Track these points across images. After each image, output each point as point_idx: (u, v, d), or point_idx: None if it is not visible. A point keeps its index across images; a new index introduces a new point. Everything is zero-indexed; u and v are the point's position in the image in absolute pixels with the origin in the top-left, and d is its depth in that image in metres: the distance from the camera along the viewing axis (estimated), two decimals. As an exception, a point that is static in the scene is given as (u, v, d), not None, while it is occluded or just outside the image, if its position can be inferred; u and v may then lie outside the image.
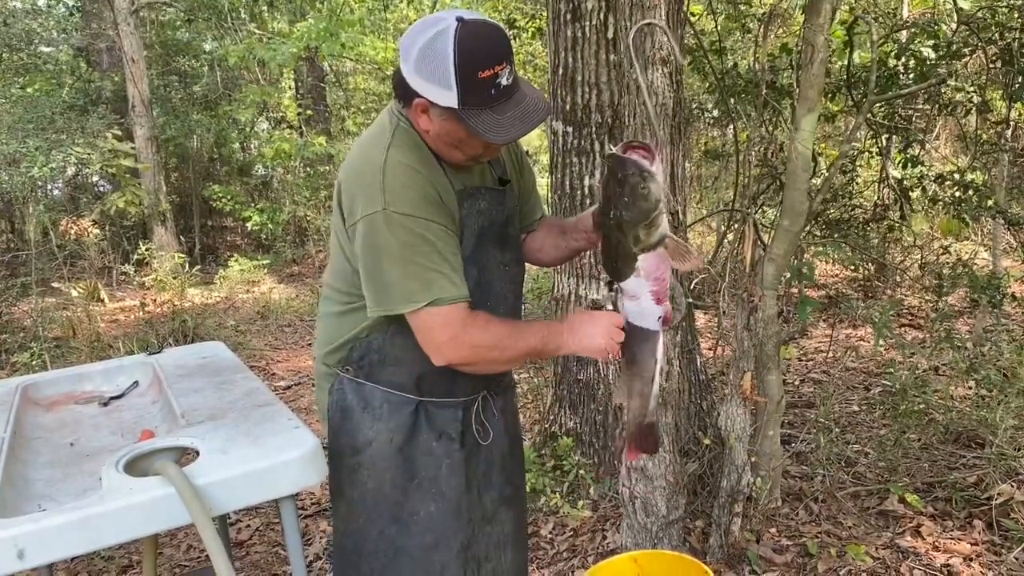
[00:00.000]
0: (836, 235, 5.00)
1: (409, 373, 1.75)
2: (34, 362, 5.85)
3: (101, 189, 11.35)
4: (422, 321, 1.60)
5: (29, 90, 9.85)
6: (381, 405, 1.78)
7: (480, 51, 1.46)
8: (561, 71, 3.50)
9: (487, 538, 1.92)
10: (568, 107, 3.49)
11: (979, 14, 4.08)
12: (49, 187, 10.11)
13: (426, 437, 1.80)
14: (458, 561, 1.83)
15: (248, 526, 3.61)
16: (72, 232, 9.88)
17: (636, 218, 1.55)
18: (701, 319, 6.14)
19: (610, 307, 1.72)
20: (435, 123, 1.57)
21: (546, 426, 3.92)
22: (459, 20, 1.46)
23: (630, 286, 1.65)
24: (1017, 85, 4.00)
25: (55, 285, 8.03)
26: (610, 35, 3.35)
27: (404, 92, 1.56)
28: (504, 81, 1.49)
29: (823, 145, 6.48)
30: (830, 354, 5.30)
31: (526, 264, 2.01)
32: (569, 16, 3.42)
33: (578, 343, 1.68)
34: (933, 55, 3.99)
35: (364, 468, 1.78)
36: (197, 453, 1.68)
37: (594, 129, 3.45)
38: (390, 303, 1.60)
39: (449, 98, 1.48)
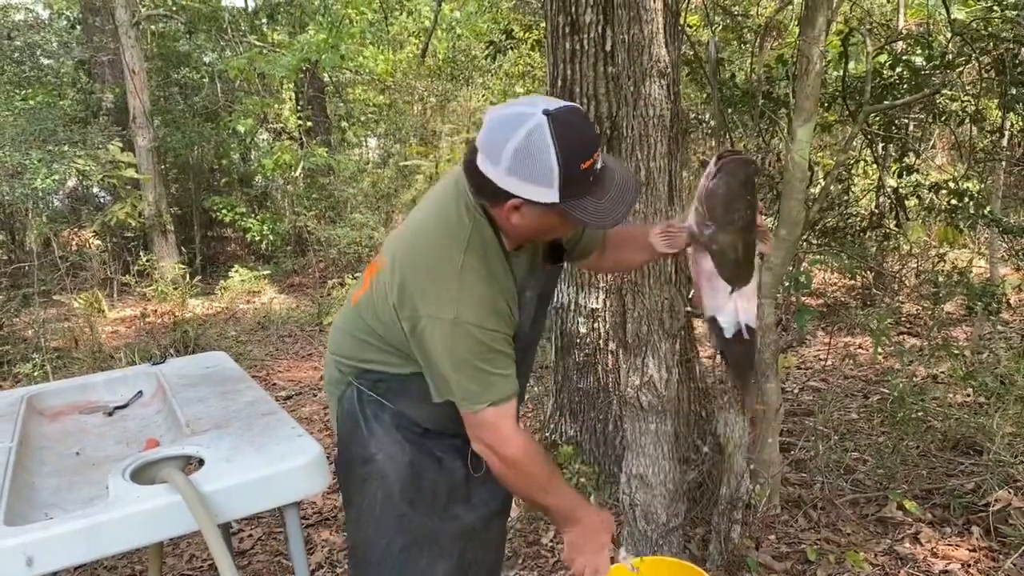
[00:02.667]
0: (833, 244, 5.04)
1: (419, 413, 1.78)
2: (36, 373, 5.87)
3: (102, 200, 11.39)
4: (473, 420, 1.63)
5: (31, 102, 9.90)
6: (390, 418, 1.80)
7: (578, 143, 1.43)
8: (560, 83, 3.53)
9: (481, 543, 1.94)
10: (567, 118, 3.52)
11: (973, 25, 4.13)
12: (51, 198, 10.14)
13: (433, 455, 1.82)
14: (456, 568, 1.86)
15: (250, 535, 3.63)
16: (73, 243, 9.91)
17: (751, 220, 1.66)
18: (700, 327, 6.16)
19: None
20: (528, 219, 1.53)
21: (547, 435, 3.94)
22: (547, 114, 1.42)
23: (752, 286, 1.75)
24: (1011, 95, 4.05)
25: (56, 296, 8.05)
26: (608, 47, 3.39)
27: (493, 193, 1.50)
28: (599, 166, 1.48)
29: (820, 155, 6.51)
30: (828, 362, 5.32)
31: None
32: (567, 29, 3.45)
33: (574, 542, 1.75)
34: (924, 63, 4.03)
35: (374, 479, 1.80)
36: (202, 462, 1.70)
37: (592, 140, 3.48)
38: (450, 399, 1.63)
39: (550, 195, 1.44)
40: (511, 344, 1.65)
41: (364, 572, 1.86)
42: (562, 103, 1.46)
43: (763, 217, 1.75)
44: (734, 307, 1.75)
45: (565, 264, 1.92)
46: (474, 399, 1.59)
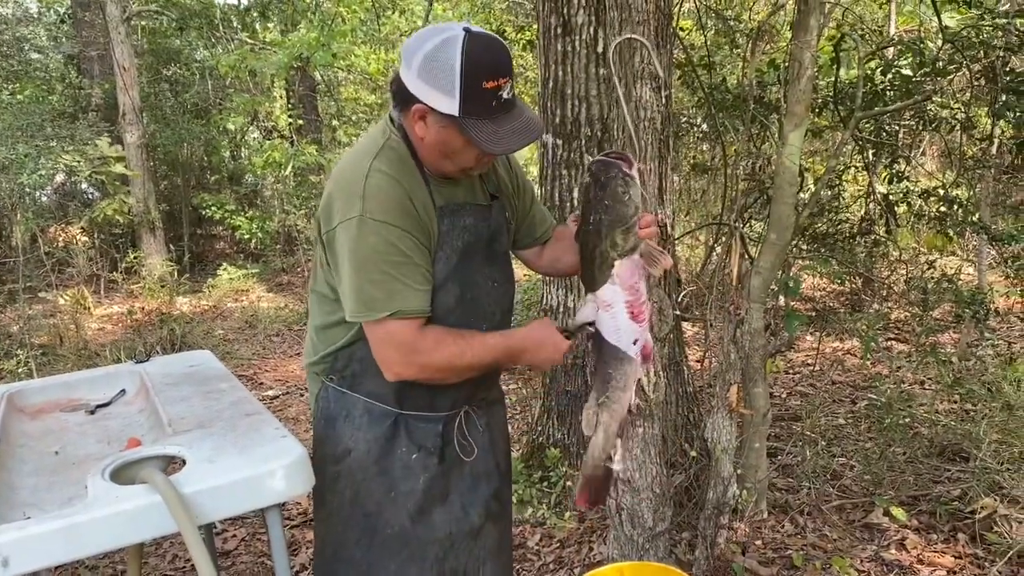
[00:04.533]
0: (823, 249, 5.04)
1: (390, 385, 1.73)
2: (20, 369, 5.82)
3: (90, 196, 11.32)
4: (376, 334, 1.63)
5: (19, 97, 9.83)
6: (362, 415, 1.79)
7: (486, 62, 1.48)
8: (551, 84, 3.53)
9: (468, 552, 1.90)
10: (558, 120, 3.52)
11: (964, 32, 4.14)
12: (38, 194, 10.06)
13: (404, 451, 1.79)
14: (432, 573, 1.83)
15: (234, 536, 3.60)
16: (60, 239, 9.84)
17: (615, 222, 1.59)
18: (688, 331, 6.16)
19: (589, 328, 1.72)
20: (431, 130, 1.57)
21: (534, 437, 3.93)
22: (467, 31, 1.47)
23: (605, 294, 1.66)
24: (1001, 103, 4.06)
25: (42, 293, 7.99)
26: (600, 49, 3.38)
27: (403, 97, 1.56)
28: (505, 95, 1.51)
29: (810, 160, 6.53)
30: (816, 367, 5.33)
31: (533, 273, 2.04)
32: (560, 30, 3.44)
33: (533, 358, 1.75)
34: (911, 73, 4.04)
35: (343, 478, 1.80)
36: (184, 462, 1.67)
37: (583, 142, 3.48)
38: (357, 309, 1.61)
39: (450, 105, 1.49)
40: (425, 255, 1.64)
41: (335, 570, 1.85)
42: (488, 31, 1.51)
43: (658, 229, 1.69)
44: (592, 308, 1.70)
45: (505, 207, 1.89)
46: (375, 306, 1.58)
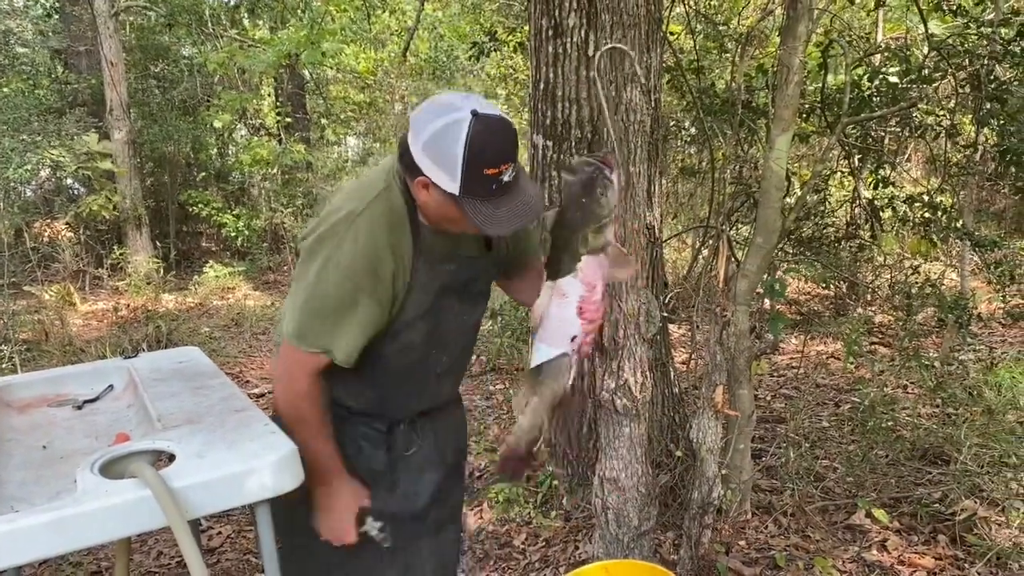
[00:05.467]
0: (808, 253, 5.08)
1: (345, 386, 1.82)
2: (4, 365, 5.78)
3: (75, 192, 11.24)
4: (289, 353, 1.73)
5: (5, 91, 9.75)
6: None
7: (489, 150, 1.52)
8: (542, 86, 3.54)
9: (410, 532, 1.98)
10: (548, 122, 3.53)
11: (950, 40, 4.19)
12: (22, 189, 9.98)
13: (351, 440, 1.89)
14: (372, 545, 1.91)
15: (220, 533, 3.60)
16: (45, 235, 9.77)
17: (589, 220, 1.65)
18: (675, 333, 6.20)
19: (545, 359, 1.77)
20: (433, 200, 1.62)
21: (520, 437, 3.94)
22: (474, 114, 1.51)
23: (564, 284, 1.72)
24: (985, 110, 4.11)
25: (27, 288, 7.94)
26: (590, 52, 3.40)
27: (409, 164, 1.61)
28: (506, 178, 1.55)
29: (797, 165, 6.58)
30: (801, 370, 5.37)
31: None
32: (551, 32, 3.46)
33: (323, 502, 1.85)
34: (897, 80, 4.09)
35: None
36: (172, 457, 1.68)
37: (574, 144, 3.49)
38: (291, 331, 1.70)
39: (452, 185, 1.54)
40: (375, 314, 1.69)
41: (287, 530, 1.92)
42: (496, 112, 1.55)
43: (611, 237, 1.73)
44: (547, 296, 1.75)
45: (499, 254, 1.93)
46: (307, 338, 1.68)
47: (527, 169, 3.48)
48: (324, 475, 1.81)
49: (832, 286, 6.83)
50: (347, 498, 1.85)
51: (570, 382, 1.79)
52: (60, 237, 9.73)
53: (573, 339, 1.75)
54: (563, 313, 1.74)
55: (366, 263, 1.64)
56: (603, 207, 1.65)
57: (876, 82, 4.21)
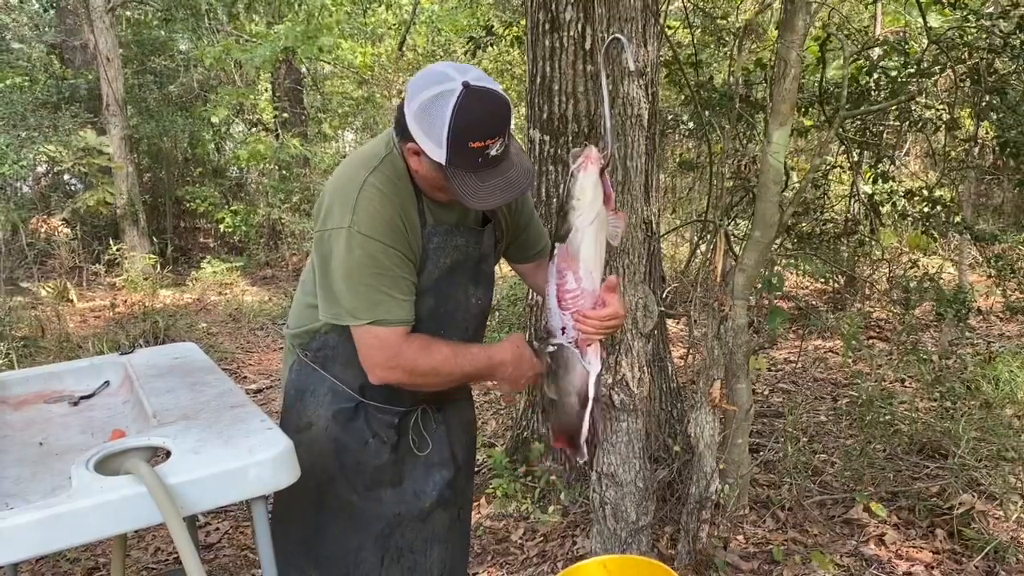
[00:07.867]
0: (806, 248, 5.08)
1: (355, 376, 1.83)
2: (0, 361, 5.77)
3: (72, 188, 11.21)
4: (362, 338, 1.70)
5: (0, 86, 9.71)
6: (326, 394, 1.88)
7: (476, 124, 1.52)
8: (539, 80, 3.53)
9: (415, 533, 1.97)
10: (545, 116, 3.53)
11: (949, 33, 4.17)
12: (19, 184, 9.95)
13: (360, 435, 1.88)
14: (375, 545, 1.92)
15: (217, 529, 3.59)
16: (42, 231, 9.75)
17: (560, 207, 1.72)
18: (673, 328, 6.19)
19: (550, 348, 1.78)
20: (423, 166, 1.63)
21: (518, 432, 3.94)
22: (465, 86, 1.50)
23: (549, 270, 1.74)
24: (984, 104, 4.10)
25: (24, 284, 7.92)
26: (587, 46, 3.39)
27: (402, 130, 1.62)
28: (493, 152, 1.55)
29: (795, 159, 6.57)
30: (799, 365, 5.37)
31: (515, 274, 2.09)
32: (547, 26, 3.45)
33: (513, 373, 1.82)
34: (896, 73, 4.08)
35: (302, 447, 1.84)
36: (169, 453, 1.67)
37: (571, 138, 3.48)
38: (337, 313, 1.69)
39: (438, 154, 1.54)
40: (410, 268, 1.70)
41: (285, 529, 1.95)
42: (489, 85, 1.54)
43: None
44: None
45: (500, 228, 1.94)
46: (358, 313, 1.66)
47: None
48: (493, 367, 1.80)
49: (831, 281, 6.83)
50: (520, 357, 1.82)
51: (587, 383, 1.76)
52: (57, 233, 9.71)
53: (563, 331, 1.74)
54: (550, 303, 1.75)
55: (384, 224, 1.64)
56: (572, 196, 1.69)
57: (875, 76, 4.20)
